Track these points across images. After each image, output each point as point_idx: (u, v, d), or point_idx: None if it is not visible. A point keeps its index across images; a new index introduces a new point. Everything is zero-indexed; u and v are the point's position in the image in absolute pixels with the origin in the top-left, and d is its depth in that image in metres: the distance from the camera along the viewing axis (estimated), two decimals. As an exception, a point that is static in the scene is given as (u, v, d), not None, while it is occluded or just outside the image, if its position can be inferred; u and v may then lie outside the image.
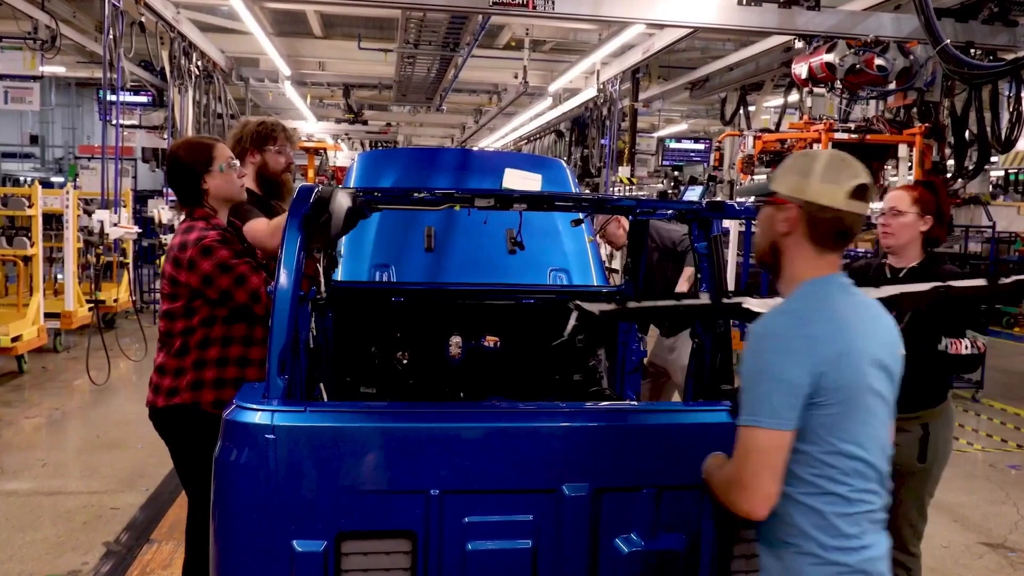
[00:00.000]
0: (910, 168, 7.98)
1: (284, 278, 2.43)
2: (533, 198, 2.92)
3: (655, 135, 20.57)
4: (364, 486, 2.32)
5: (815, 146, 7.65)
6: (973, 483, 6.08)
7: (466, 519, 2.36)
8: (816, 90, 8.61)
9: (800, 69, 7.95)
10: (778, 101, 13.94)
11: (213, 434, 2.41)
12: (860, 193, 1.89)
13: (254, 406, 2.35)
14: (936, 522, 5.25)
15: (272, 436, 2.28)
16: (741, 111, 14.22)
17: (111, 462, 5.85)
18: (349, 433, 2.34)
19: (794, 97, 12.42)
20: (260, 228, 3.45)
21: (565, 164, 5.26)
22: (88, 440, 6.54)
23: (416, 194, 2.84)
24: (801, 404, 1.82)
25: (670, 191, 20.60)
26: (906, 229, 3.17)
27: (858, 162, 1.95)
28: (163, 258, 3.15)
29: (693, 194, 10.23)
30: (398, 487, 2.33)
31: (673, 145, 18.96)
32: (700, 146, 18.28)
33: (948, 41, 6.48)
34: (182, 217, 3.20)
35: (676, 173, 20.40)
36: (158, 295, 12.43)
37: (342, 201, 2.64)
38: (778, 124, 12.63)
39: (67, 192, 9.56)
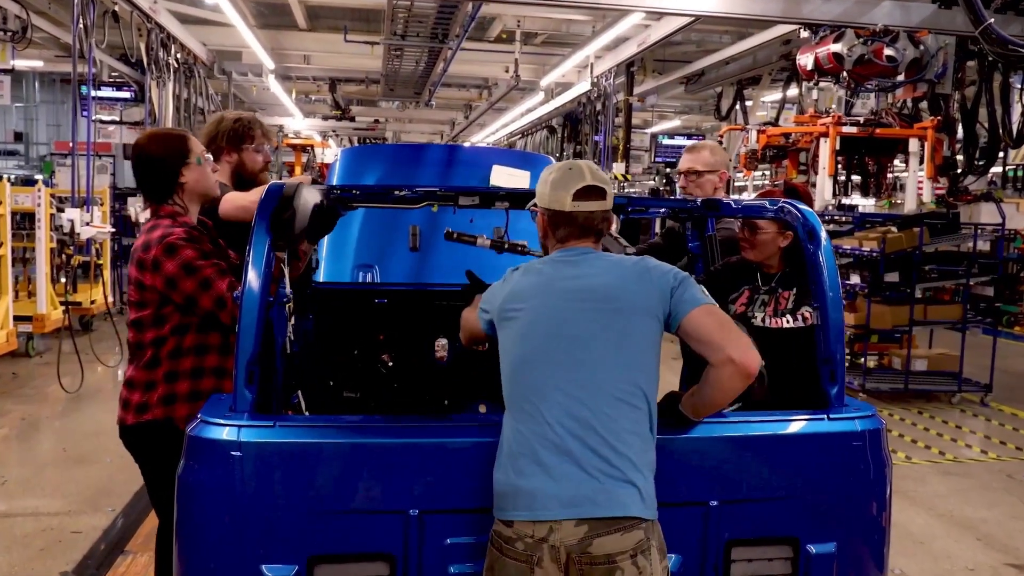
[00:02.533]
0: (921, 163, 7.66)
1: (251, 282, 2.27)
2: (518, 196, 2.79)
3: (648, 131, 20.28)
4: (338, 506, 2.19)
5: (823, 141, 7.35)
6: (992, 495, 5.77)
7: (448, 540, 2.24)
8: (823, 83, 8.26)
9: (806, 60, 7.60)
10: (775, 96, 13.64)
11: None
12: (580, 194, 2.27)
13: (220, 421, 2.22)
14: (959, 541, 4.95)
15: (239, 453, 2.15)
16: (738, 106, 13.92)
17: (77, 478, 5.48)
18: (322, 449, 2.22)
19: (792, 91, 12.12)
20: (241, 194, 3.27)
21: (553, 161, 5.06)
22: (55, 454, 6.15)
23: (396, 192, 2.72)
24: (487, 320, 2.37)
25: (662, 188, 20.30)
26: (766, 245, 3.11)
27: (585, 167, 2.31)
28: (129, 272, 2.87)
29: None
30: (374, 507, 2.20)
31: (666, 141, 18.72)
32: (693, 143, 18.03)
33: (991, 20, 6.12)
34: (147, 215, 2.94)
35: (668, 170, 20.12)
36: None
37: (308, 197, 2.48)
38: (776, 119, 12.32)
39: (39, 190, 9.15)
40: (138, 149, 2.92)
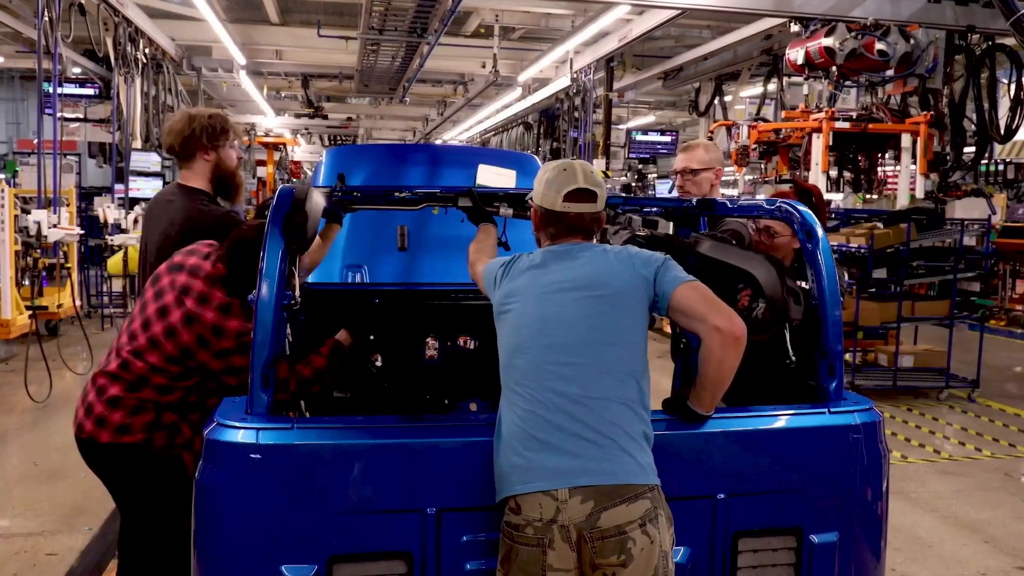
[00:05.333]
0: (913, 158, 7.59)
1: (266, 288, 2.31)
2: (515, 196, 2.84)
3: (623, 127, 20.17)
4: (356, 506, 2.23)
5: (815, 136, 7.25)
6: (993, 495, 5.71)
7: (464, 538, 2.28)
8: (806, 78, 8.15)
9: (796, 54, 7.49)
10: (753, 91, 13.57)
11: (159, 475, 2.32)
12: (571, 196, 2.36)
13: (237, 423, 2.23)
14: (967, 544, 4.86)
15: (258, 455, 2.18)
16: (716, 101, 13.83)
17: (50, 495, 5.20)
18: (340, 450, 2.25)
19: (772, 87, 12.05)
20: None
21: (538, 159, 5.00)
22: (25, 469, 5.86)
23: (397, 193, 2.78)
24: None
25: (634, 185, 20.17)
26: (781, 249, 3.13)
27: (580, 169, 2.38)
28: (175, 321, 2.72)
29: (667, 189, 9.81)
30: (392, 506, 2.24)
31: (640, 138, 18.61)
32: (667, 138, 17.96)
33: (1022, 12, 6.02)
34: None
35: (641, 166, 19.98)
36: (105, 299, 11.72)
37: (318, 201, 2.48)
38: (756, 114, 12.24)
39: (2, 190, 8.80)
40: (243, 239, 2.74)
